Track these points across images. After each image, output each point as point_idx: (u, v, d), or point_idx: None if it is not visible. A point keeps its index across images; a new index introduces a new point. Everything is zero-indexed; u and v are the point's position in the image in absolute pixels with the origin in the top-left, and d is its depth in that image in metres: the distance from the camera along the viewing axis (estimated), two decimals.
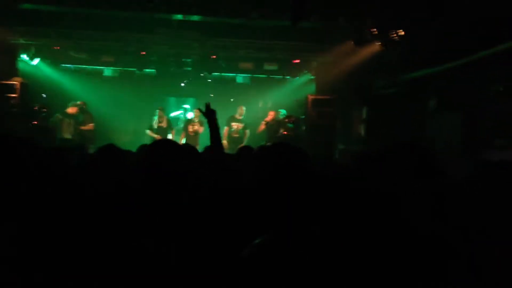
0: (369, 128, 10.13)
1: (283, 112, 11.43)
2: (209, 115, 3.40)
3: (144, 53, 10.93)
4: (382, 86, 9.71)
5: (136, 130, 12.33)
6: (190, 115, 12.27)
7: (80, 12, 8.68)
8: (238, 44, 10.39)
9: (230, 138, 11.14)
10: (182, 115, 12.09)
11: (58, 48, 10.60)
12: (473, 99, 7.95)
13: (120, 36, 10.08)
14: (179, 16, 8.84)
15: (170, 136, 11.06)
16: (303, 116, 11.08)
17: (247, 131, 11.34)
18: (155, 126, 11.07)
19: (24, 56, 10.44)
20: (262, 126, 11.07)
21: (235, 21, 8.96)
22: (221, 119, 3.60)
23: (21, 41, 9.99)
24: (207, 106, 3.50)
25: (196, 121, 11.12)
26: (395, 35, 8.08)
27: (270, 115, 11.12)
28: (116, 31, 9.76)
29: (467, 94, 7.96)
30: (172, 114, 11.77)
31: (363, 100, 10.34)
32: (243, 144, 10.75)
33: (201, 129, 10.96)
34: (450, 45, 7.50)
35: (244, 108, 11.46)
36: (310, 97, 10.76)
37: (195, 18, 8.79)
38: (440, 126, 8.58)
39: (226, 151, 7.10)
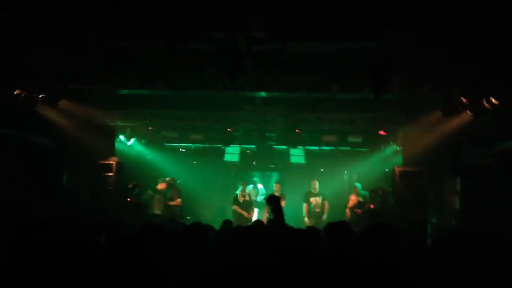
0: (464, 201, 9.40)
1: (358, 185, 11.34)
2: (273, 202, 3.77)
3: (230, 129, 11.30)
4: (477, 156, 9.09)
5: (220, 205, 12.56)
6: (260, 186, 12.51)
7: (171, 94, 9.28)
8: (321, 117, 10.44)
9: (311, 213, 11.16)
10: (253, 188, 12.32)
11: (151, 128, 11.31)
12: None
13: (208, 115, 10.60)
14: (262, 93, 9.13)
15: (255, 213, 11.24)
16: (391, 189, 10.61)
17: (326, 203, 11.26)
18: (240, 200, 11.23)
19: (121, 137, 11.27)
20: (348, 214, 10.79)
21: (318, 95, 9.05)
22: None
23: (119, 123, 10.83)
24: (271, 196, 3.99)
25: (277, 195, 11.15)
26: (486, 103, 7.63)
27: (352, 200, 10.92)
28: (203, 110, 10.30)
29: None
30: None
31: (456, 171, 9.71)
32: (325, 217, 10.72)
33: (283, 203, 10.97)
34: None
35: (317, 182, 11.49)
36: (398, 169, 10.30)
37: (278, 94, 9.03)
38: None
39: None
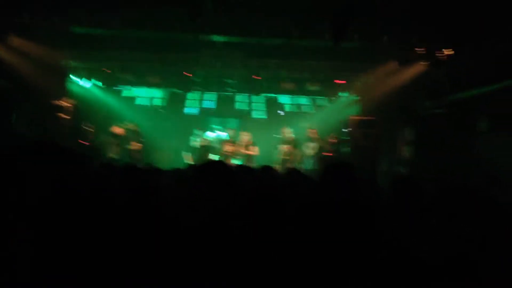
0: (414, 149, 9.76)
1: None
2: None
3: (188, 74, 11.07)
4: (429, 107, 9.38)
5: (178, 149, 12.45)
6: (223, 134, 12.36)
7: (127, 34, 8.94)
8: (280, 65, 10.41)
9: (282, 160, 10.86)
10: (213, 135, 12.11)
11: (106, 69, 10.91)
12: None
13: (165, 57, 10.31)
14: (222, 38, 8.95)
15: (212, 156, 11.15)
16: (347, 137, 10.86)
17: (297, 151, 11.00)
18: (197, 145, 11.10)
19: (74, 78, 10.85)
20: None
21: (277, 42, 8.97)
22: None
23: (71, 63, 10.39)
24: None
25: (230, 141, 11.12)
26: (442, 54, 7.82)
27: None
28: (161, 53, 10.00)
29: None
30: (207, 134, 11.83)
31: (409, 121, 10.02)
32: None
33: (235, 149, 10.94)
34: (500, 64, 7.16)
35: (287, 129, 11.23)
36: (353, 118, 10.55)
37: (238, 39, 8.88)
38: (491, 148, 8.14)
39: None
